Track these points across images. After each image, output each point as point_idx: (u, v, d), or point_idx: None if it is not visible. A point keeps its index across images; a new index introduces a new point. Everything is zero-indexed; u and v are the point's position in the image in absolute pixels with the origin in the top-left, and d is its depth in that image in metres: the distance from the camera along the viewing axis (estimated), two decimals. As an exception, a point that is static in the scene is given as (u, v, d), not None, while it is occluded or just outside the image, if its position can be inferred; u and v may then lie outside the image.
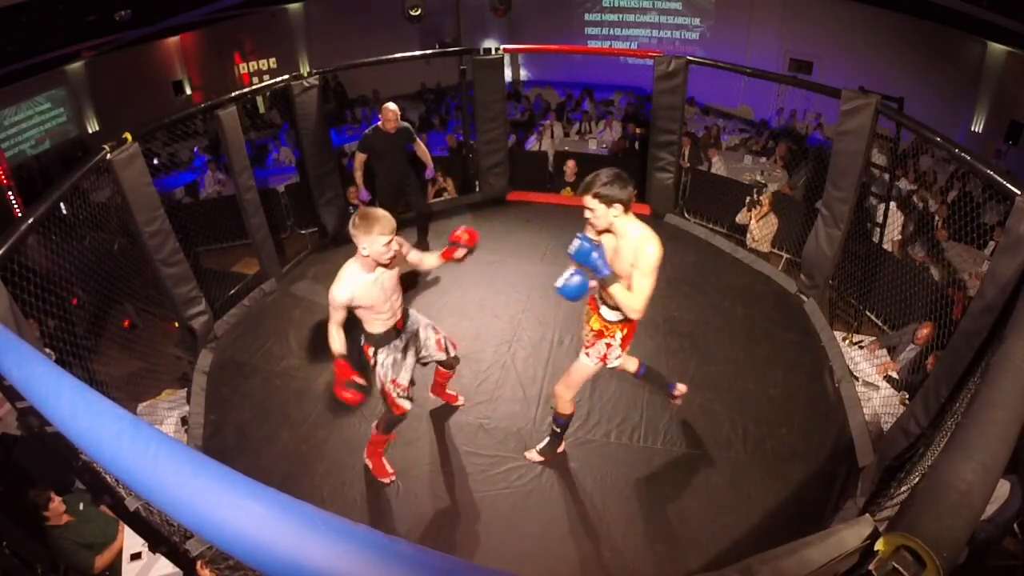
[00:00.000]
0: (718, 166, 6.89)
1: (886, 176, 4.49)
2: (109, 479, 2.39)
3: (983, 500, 1.11)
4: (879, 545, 1.03)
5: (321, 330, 4.31)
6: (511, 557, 2.79)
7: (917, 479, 2.17)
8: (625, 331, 2.70)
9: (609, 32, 12.32)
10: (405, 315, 2.85)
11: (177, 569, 2.73)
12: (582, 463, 3.22)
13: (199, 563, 2.62)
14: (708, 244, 5.33)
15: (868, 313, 4.72)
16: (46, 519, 2.90)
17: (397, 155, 4.65)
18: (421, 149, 4.74)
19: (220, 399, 3.80)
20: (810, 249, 4.38)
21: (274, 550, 0.76)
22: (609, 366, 2.81)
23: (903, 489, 2.29)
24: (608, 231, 2.47)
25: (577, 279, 2.48)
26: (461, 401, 3.60)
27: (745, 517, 2.94)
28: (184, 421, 3.68)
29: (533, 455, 3.23)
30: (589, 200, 2.38)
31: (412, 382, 2.92)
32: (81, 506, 3.06)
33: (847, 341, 4.28)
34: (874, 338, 4.40)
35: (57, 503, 2.92)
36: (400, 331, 2.81)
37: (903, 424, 2.81)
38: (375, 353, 2.79)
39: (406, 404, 2.88)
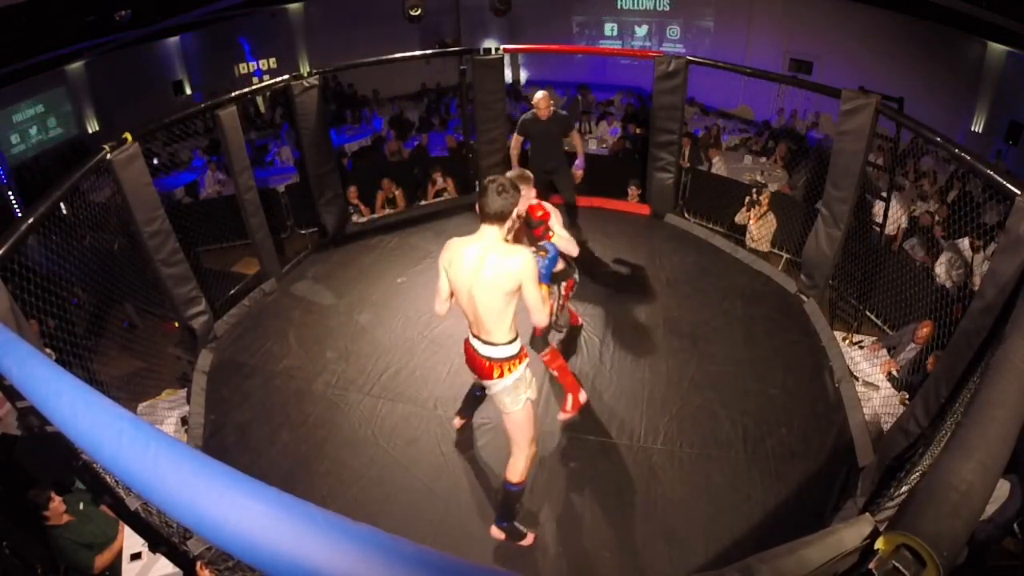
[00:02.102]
0: (719, 166, 6.88)
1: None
2: (109, 479, 2.39)
3: (983, 500, 1.11)
4: (879, 544, 1.03)
5: (320, 330, 4.34)
6: (511, 557, 2.79)
7: (917, 479, 2.17)
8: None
9: (609, 32, 12.32)
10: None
11: (177, 569, 2.73)
12: (582, 463, 3.22)
13: (199, 563, 2.62)
14: (708, 244, 5.33)
15: (868, 313, 4.72)
16: (46, 519, 2.90)
17: (550, 142, 4.70)
18: (576, 140, 4.79)
19: (220, 399, 3.80)
20: (810, 249, 4.38)
21: (275, 550, 0.76)
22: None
23: (903, 489, 2.29)
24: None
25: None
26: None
27: (745, 517, 2.94)
28: (184, 421, 3.68)
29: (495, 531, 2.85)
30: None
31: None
32: (81, 506, 3.06)
33: (847, 341, 4.28)
34: (875, 338, 4.40)
35: (57, 503, 2.92)
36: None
37: (903, 424, 2.81)
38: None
39: None
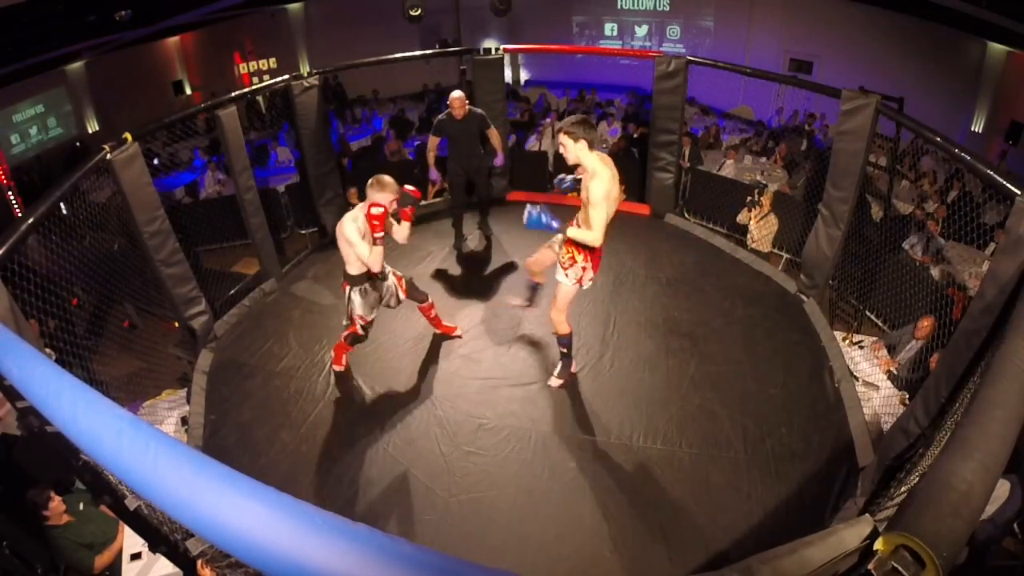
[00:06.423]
0: (728, 169, 6.88)
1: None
2: (109, 479, 2.39)
3: (983, 500, 1.11)
4: (879, 545, 1.03)
5: (320, 330, 4.33)
6: (511, 557, 2.79)
7: (917, 479, 2.17)
8: (590, 258, 3.16)
9: (609, 32, 12.32)
10: (383, 271, 3.47)
11: (177, 569, 2.73)
12: (582, 463, 3.22)
13: (199, 562, 2.62)
14: (708, 244, 5.33)
15: (868, 313, 4.72)
16: (46, 519, 2.90)
17: (469, 141, 4.77)
18: (494, 137, 4.86)
19: (220, 399, 3.80)
20: (810, 249, 4.38)
21: (274, 550, 0.77)
22: (584, 287, 3.27)
23: (903, 489, 2.29)
24: (578, 167, 2.98)
25: (535, 213, 3.03)
26: (459, 332, 4.13)
27: (745, 517, 2.94)
28: (184, 421, 3.68)
29: (554, 381, 3.66)
30: (561, 136, 2.89)
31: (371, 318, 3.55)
32: (81, 506, 3.06)
33: (847, 341, 4.28)
34: (876, 338, 4.39)
35: (57, 503, 2.92)
36: (372, 278, 3.41)
37: (903, 424, 2.81)
38: (349, 290, 3.40)
39: (361, 330, 3.54)
